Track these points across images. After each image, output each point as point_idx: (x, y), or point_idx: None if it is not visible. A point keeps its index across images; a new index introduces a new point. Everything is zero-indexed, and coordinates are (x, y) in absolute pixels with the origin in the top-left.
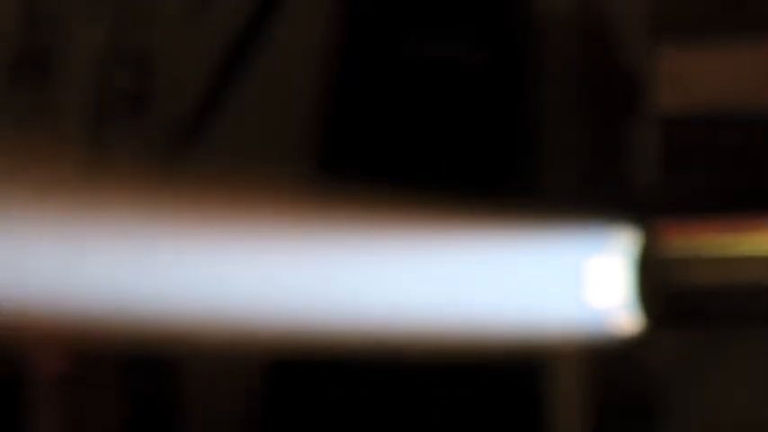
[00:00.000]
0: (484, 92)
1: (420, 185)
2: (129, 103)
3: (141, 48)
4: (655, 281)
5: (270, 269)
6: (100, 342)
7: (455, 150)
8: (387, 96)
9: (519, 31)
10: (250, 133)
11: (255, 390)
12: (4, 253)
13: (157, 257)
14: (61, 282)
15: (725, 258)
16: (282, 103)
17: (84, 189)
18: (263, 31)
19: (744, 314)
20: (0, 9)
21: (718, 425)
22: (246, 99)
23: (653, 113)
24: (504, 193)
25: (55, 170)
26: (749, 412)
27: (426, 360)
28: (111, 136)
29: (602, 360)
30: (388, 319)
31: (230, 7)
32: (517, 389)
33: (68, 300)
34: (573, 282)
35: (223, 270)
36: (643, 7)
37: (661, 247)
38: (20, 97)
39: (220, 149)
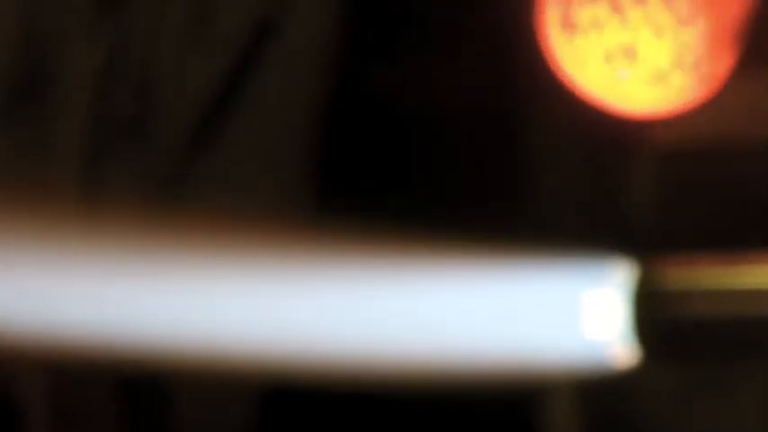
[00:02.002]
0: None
1: (420, 217)
2: (126, 130)
3: (138, 75)
4: (651, 314)
5: (264, 299)
6: (93, 370)
7: (457, 183)
8: (382, 128)
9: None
10: (245, 165)
11: (249, 419)
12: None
13: (153, 285)
14: (55, 310)
15: (721, 291)
16: (278, 133)
17: (80, 215)
18: (260, 60)
19: (741, 347)
20: None
21: None
22: (242, 128)
23: (651, 149)
24: (504, 226)
25: (51, 196)
26: None
27: (421, 391)
28: (107, 163)
29: (597, 392)
30: (384, 349)
31: (228, 37)
32: (512, 420)
33: (62, 328)
34: (570, 314)
35: (217, 299)
36: None
37: (658, 281)
38: (16, 123)
39: (216, 178)
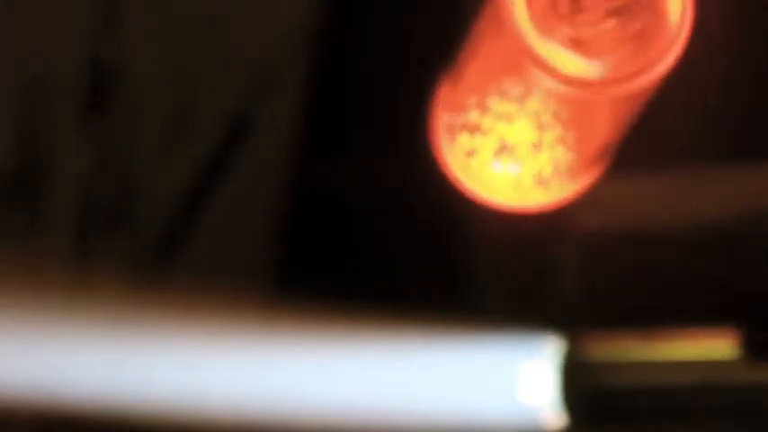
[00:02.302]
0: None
1: (369, 299)
2: (110, 221)
3: (121, 173)
4: (578, 384)
5: (236, 369)
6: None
7: (401, 268)
8: (331, 220)
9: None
10: (218, 249)
11: None
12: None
13: (136, 357)
14: (46, 379)
15: (642, 363)
16: (246, 223)
17: (68, 297)
18: (229, 160)
19: (661, 413)
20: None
21: None
22: (214, 219)
23: (576, 233)
24: (448, 308)
25: (42, 280)
26: None
27: None
28: (93, 251)
29: None
30: (336, 417)
31: (201, 141)
32: None
33: (53, 395)
34: (505, 383)
35: (194, 369)
36: None
37: (584, 353)
38: (12, 214)
39: (191, 264)
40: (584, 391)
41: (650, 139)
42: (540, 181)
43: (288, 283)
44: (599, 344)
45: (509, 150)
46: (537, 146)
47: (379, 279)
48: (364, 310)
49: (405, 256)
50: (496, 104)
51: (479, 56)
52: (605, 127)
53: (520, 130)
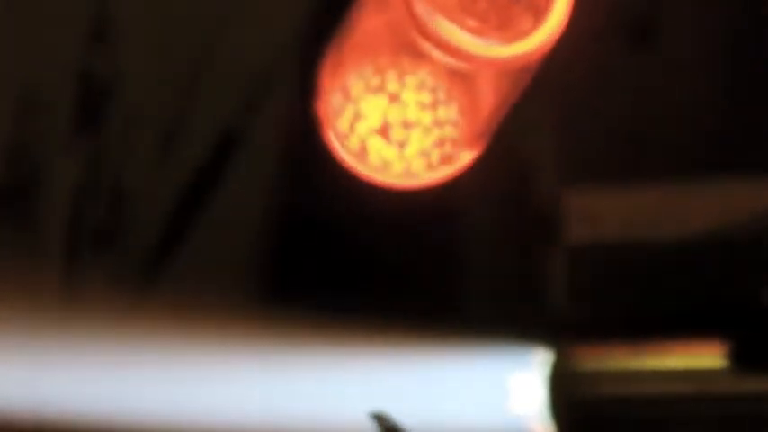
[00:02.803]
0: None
1: (360, 310)
2: (101, 235)
3: (112, 187)
4: (565, 394)
5: (228, 381)
6: None
7: (390, 278)
8: (319, 234)
9: None
10: (208, 262)
11: None
12: None
13: (126, 372)
14: (36, 397)
15: (629, 373)
16: (236, 235)
17: (58, 312)
18: (219, 174)
19: (648, 423)
20: None
21: None
22: (205, 232)
23: (564, 246)
24: (438, 319)
25: (32, 293)
26: None
27: None
28: (83, 265)
29: None
30: (329, 428)
31: (191, 155)
32: None
33: (44, 413)
34: (494, 394)
35: (184, 382)
36: (556, 154)
37: (571, 364)
38: (2, 227)
39: (182, 277)
40: (571, 401)
41: (637, 152)
42: (428, 160)
43: (278, 297)
44: (586, 355)
45: (393, 129)
46: (421, 124)
47: (377, 294)
48: (352, 322)
49: (400, 272)
50: (378, 82)
51: (361, 33)
52: (489, 104)
53: (403, 108)
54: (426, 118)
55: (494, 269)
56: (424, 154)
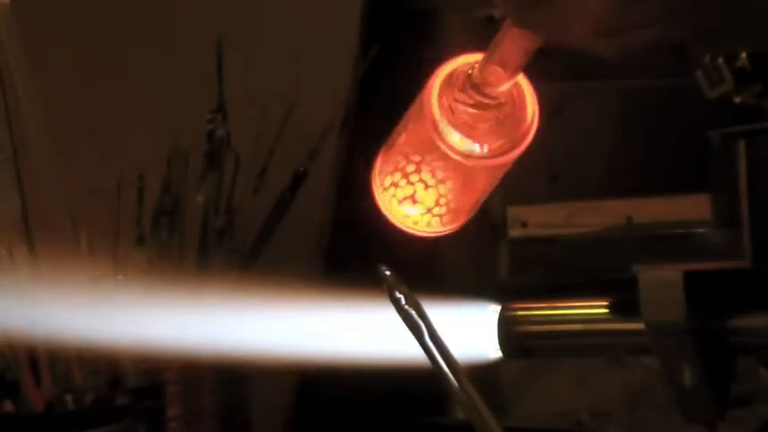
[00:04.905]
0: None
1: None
2: (219, 237)
3: (226, 206)
4: (507, 332)
5: (297, 328)
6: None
7: (400, 264)
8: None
9: None
10: (286, 253)
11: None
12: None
13: (234, 322)
14: (184, 338)
15: (545, 317)
16: (304, 236)
17: (194, 283)
18: (293, 197)
19: (559, 349)
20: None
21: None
22: (284, 234)
23: (506, 240)
24: (431, 287)
25: (178, 272)
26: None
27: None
28: (209, 254)
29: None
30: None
31: (276, 184)
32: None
33: (181, 342)
34: (465, 333)
35: (272, 328)
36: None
37: (511, 313)
38: (157, 236)
39: (270, 262)
40: (511, 336)
41: (553, 182)
42: (431, 220)
43: (329, 274)
44: (520, 308)
45: (416, 197)
46: (432, 197)
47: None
48: (373, 287)
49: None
50: (411, 167)
51: (405, 133)
52: (479, 188)
53: (423, 185)
54: (436, 192)
55: (464, 256)
56: (432, 216)
